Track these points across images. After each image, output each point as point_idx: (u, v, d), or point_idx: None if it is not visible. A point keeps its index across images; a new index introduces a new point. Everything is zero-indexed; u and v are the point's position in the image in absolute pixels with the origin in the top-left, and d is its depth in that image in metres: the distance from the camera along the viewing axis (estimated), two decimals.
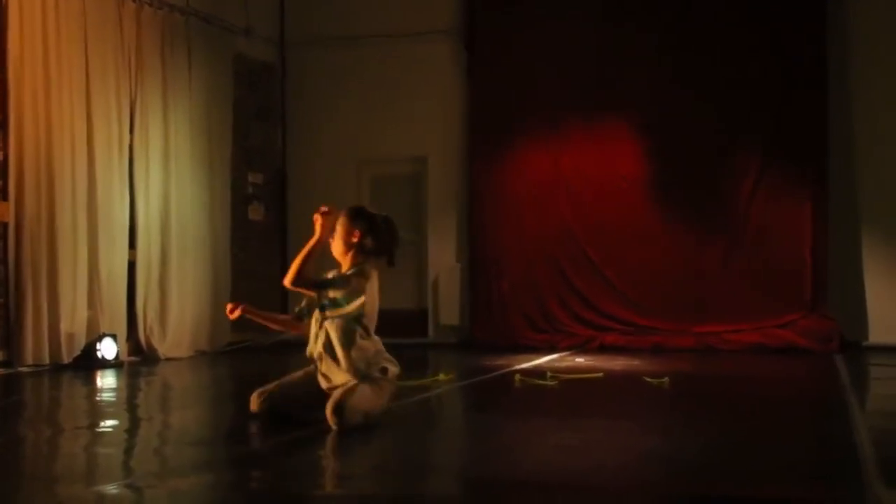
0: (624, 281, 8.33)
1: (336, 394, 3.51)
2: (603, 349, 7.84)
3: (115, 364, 6.54)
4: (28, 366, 6.28)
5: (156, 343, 7.37)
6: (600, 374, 5.70)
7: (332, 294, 3.60)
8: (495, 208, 8.65)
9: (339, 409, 3.43)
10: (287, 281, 3.54)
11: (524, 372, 5.73)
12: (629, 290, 8.31)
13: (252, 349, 7.64)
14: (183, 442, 3.49)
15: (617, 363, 6.49)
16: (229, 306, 3.70)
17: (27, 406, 4.78)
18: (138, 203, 7.38)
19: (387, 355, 3.72)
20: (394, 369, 3.70)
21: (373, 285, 3.72)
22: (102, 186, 6.95)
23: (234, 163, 8.61)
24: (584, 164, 8.47)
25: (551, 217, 8.52)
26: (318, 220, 3.64)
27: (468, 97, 8.81)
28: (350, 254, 3.74)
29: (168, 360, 7.28)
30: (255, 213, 9.10)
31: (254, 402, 3.68)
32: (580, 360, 6.84)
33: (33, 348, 6.32)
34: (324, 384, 3.69)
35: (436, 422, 4.13)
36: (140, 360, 7.23)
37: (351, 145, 9.27)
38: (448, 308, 8.83)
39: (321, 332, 3.68)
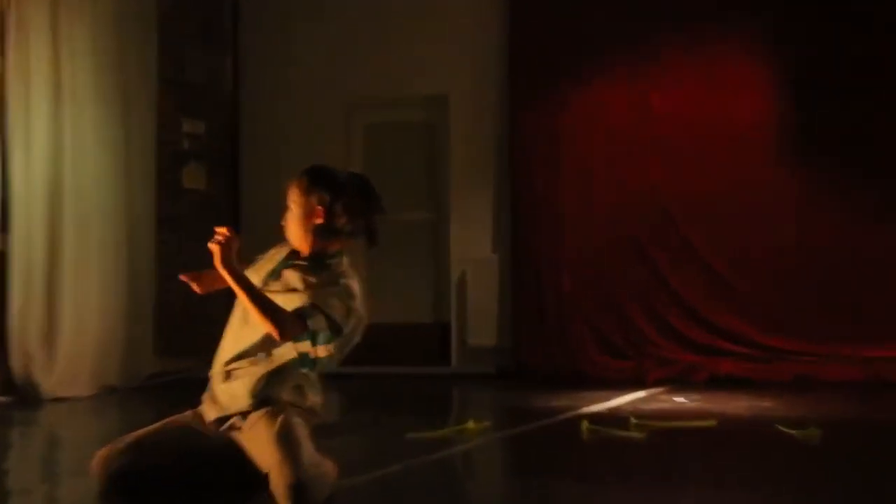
0: (746, 280, 8.29)
1: (278, 456, 3.52)
2: (715, 383, 7.83)
3: None
4: None
5: (38, 375, 7.21)
6: (712, 422, 5.71)
7: (313, 325, 3.66)
8: (550, 172, 8.66)
9: (298, 485, 3.44)
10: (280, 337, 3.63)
11: (595, 417, 5.78)
12: (754, 293, 8.25)
13: (186, 383, 7.55)
14: None
15: (737, 405, 6.54)
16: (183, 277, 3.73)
17: None
18: (13, 164, 7.24)
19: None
20: (315, 398, 3.82)
21: (359, 299, 3.79)
22: None
23: (161, 106, 8.59)
24: (685, 106, 8.48)
25: (634, 185, 8.52)
26: (214, 247, 3.60)
27: (511, 8, 8.82)
28: (311, 239, 3.78)
29: (57, 400, 7.12)
30: (193, 178, 9.08)
31: (100, 462, 3.71)
32: (680, 399, 6.91)
33: None
34: (211, 413, 3.73)
35: (461, 494, 4.05)
36: (12, 400, 7.05)
37: (335, 81, 9.32)
38: (480, 322, 8.84)
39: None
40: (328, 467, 3.69)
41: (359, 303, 3.77)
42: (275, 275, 3.80)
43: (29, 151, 7.33)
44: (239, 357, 3.73)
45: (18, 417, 6.45)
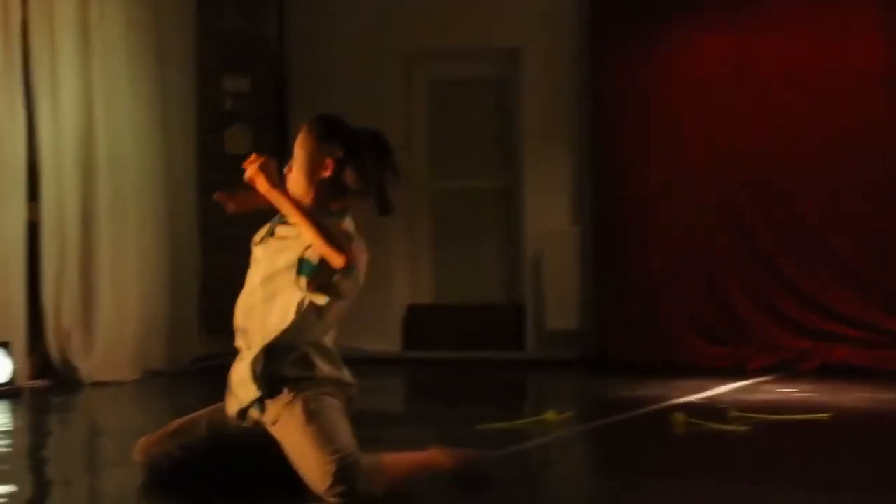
0: (864, 255, 8.22)
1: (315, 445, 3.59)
2: (828, 372, 7.80)
3: (8, 392, 6.64)
4: None
5: (76, 359, 7.42)
6: (825, 415, 5.71)
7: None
8: (637, 134, 8.64)
9: (338, 472, 3.53)
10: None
11: (690, 408, 5.76)
12: (875, 271, 8.18)
13: None
14: None
15: (855, 396, 6.50)
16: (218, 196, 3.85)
17: None
18: (40, 126, 7.40)
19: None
20: (328, 366, 3.84)
21: (361, 261, 3.78)
22: None
23: (200, 59, 8.70)
24: (790, 55, 8.39)
25: (735, 146, 8.47)
26: (253, 174, 3.70)
27: None
28: (315, 193, 3.83)
29: (97, 385, 7.32)
30: (237, 141, 9.17)
31: (143, 451, 3.87)
32: (788, 389, 6.88)
33: None
34: (231, 405, 3.83)
35: (538, 492, 4.04)
36: (51, 385, 7.28)
37: (395, 31, 9.35)
38: (559, 303, 8.87)
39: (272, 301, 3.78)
40: (379, 459, 3.72)
41: (360, 263, 3.76)
42: (271, 233, 3.86)
43: (57, 111, 7.49)
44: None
45: (58, 403, 6.65)
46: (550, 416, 5.36)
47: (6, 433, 5.56)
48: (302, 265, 3.73)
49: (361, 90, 9.33)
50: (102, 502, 3.88)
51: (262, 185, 3.69)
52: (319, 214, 3.70)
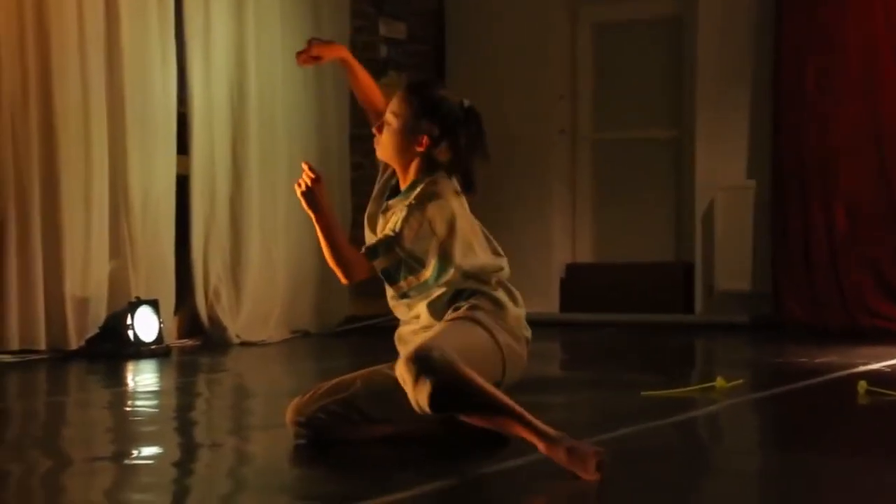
0: None
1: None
2: None
3: (157, 351, 6.83)
4: (12, 353, 6.60)
5: (225, 318, 7.64)
6: None
7: (379, 265, 3.80)
8: (823, 80, 8.51)
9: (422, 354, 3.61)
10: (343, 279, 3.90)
11: (875, 377, 5.66)
12: None
13: (387, 328, 7.81)
14: (275, 488, 3.56)
15: None
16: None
17: (10, 420, 5.02)
18: (192, 77, 7.59)
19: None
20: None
21: (455, 211, 3.84)
22: (131, 45, 7.18)
23: (355, 4, 8.81)
24: None
25: None
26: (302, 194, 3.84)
27: None
28: (402, 163, 3.94)
29: (245, 345, 7.54)
30: (393, 90, 9.11)
31: (294, 412, 3.98)
32: None
33: (20, 325, 6.66)
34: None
35: (705, 465, 3.99)
36: (198, 344, 7.54)
37: None
38: (731, 262, 8.84)
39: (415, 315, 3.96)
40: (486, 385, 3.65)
41: (446, 212, 3.82)
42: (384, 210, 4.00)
43: (208, 63, 7.68)
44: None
45: (205, 363, 6.86)
46: (720, 383, 5.30)
47: (153, 393, 5.78)
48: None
49: (522, 36, 9.35)
50: (250, 466, 3.95)
51: (305, 205, 3.85)
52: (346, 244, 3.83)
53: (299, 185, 3.84)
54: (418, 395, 3.58)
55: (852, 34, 8.40)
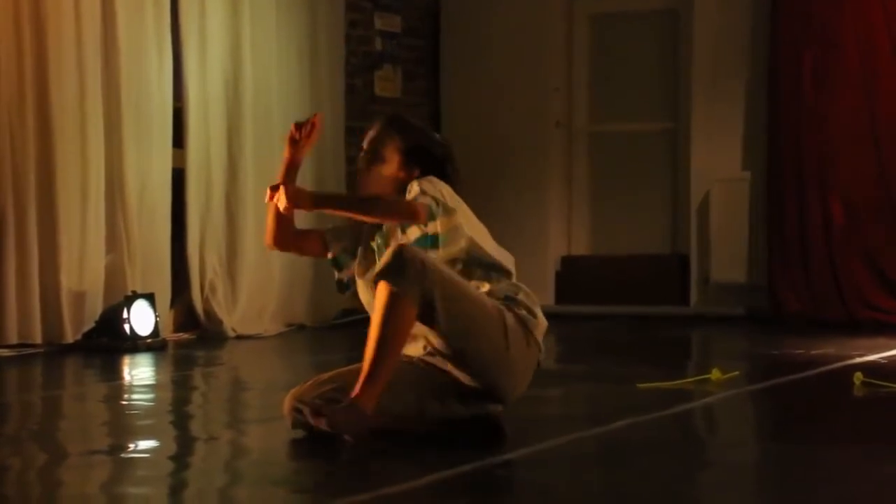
0: None
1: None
2: None
3: (153, 345, 6.82)
4: (8, 346, 6.59)
5: (220, 311, 7.64)
6: None
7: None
8: (819, 71, 8.51)
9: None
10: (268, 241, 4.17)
11: (871, 369, 5.66)
12: None
13: None
14: (272, 480, 3.57)
15: None
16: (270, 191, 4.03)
17: (5, 413, 5.02)
18: (188, 71, 7.61)
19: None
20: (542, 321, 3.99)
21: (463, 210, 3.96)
22: (127, 39, 7.18)
23: None
24: None
25: None
26: (303, 134, 4.05)
27: None
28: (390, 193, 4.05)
29: (240, 338, 7.55)
30: (387, 84, 9.25)
31: (294, 398, 4.00)
32: None
33: (18, 319, 6.65)
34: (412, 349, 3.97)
35: (701, 457, 4.01)
36: (195, 338, 7.54)
37: None
38: (727, 253, 8.85)
39: None
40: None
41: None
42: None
43: (204, 57, 7.68)
44: None
45: (200, 357, 6.86)
46: (716, 374, 5.33)
47: (150, 387, 5.78)
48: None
49: (518, 28, 9.33)
50: (247, 459, 3.97)
51: (287, 147, 4.01)
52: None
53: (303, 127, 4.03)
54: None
55: (849, 26, 8.40)
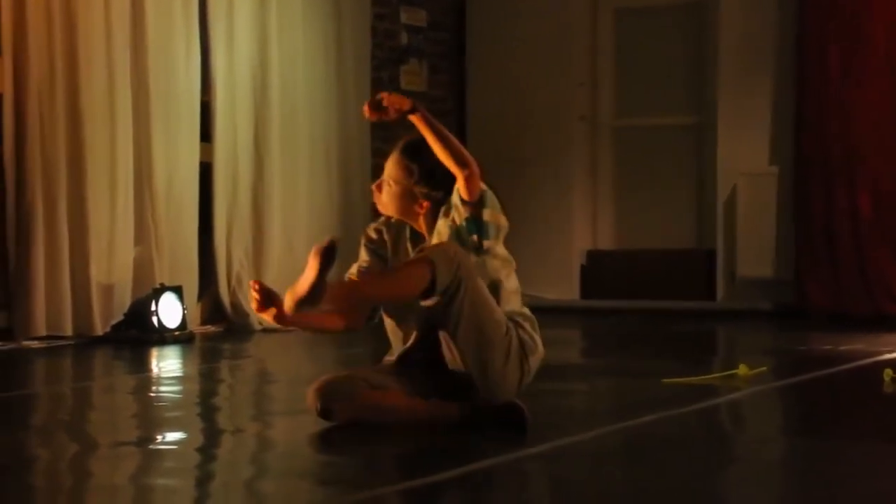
0: None
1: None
2: None
3: (181, 337, 6.90)
4: (38, 338, 6.69)
5: (247, 304, 7.67)
6: None
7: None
8: (848, 64, 8.46)
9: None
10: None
11: None
12: None
13: None
14: (297, 473, 3.60)
15: None
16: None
17: (37, 405, 5.09)
18: (216, 65, 7.66)
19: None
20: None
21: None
22: (155, 36, 7.25)
23: None
24: None
25: None
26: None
27: None
28: (419, 218, 4.10)
29: (267, 331, 7.59)
30: (413, 78, 9.28)
31: (321, 386, 4.01)
32: None
33: (48, 311, 6.73)
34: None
35: (727, 453, 4.00)
36: (221, 330, 7.61)
37: None
38: (754, 248, 8.83)
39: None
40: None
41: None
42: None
43: (231, 51, 7.73)
44: None
45: (227, 349, 6.92)
46: (742, 370, 5.29)
47: (177, 379, 5.83)
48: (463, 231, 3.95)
49: (543, 22, 9.33)
50: (273, 451, 3.99)
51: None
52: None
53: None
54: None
55: (877, 19, 8.35)
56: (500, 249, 4.02)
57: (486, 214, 3.96)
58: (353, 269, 4.21)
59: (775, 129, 8.81)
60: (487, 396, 3.91)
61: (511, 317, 3.97)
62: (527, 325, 4.01)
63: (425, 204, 4.04)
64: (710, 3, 9.09)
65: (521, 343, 3.96)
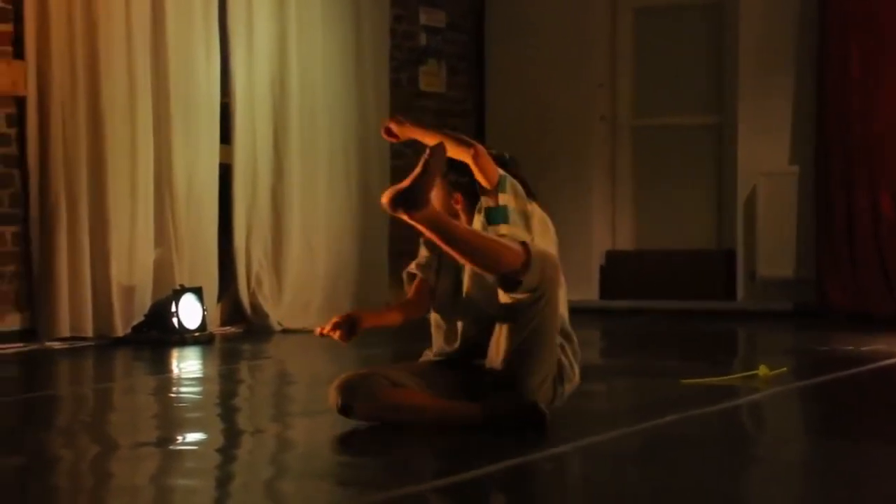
0: None
1: None
2: None
3: (201, 338, 6.94)
4: (61, 339, 6.74)
5: (267, 305, 7.73)
6: None
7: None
8: (870, 63, 8.45)
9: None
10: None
11: None
12: None
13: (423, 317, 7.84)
14: (317, 474, 3.61)
15: None
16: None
17: (59, 405, 5.13)
18: (235, 67, 7.69)
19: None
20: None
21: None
22: (176, 39, 7.28)
23: None
24: None
25: None
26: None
27: None
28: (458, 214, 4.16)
29: (286, 332, 7.62)
30: (432, 79, 9.30)
31: (342, 383, 4.03)
32: None
33: (70, 312, 6.78)
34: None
35: (747, 454, 3.99)
36: (241, 331, 7.64)
37: None
38: (774, 249, 8.82)
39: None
40: None
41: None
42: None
43: (251, 53, 7.76)
44: None
45: (247, 350, 6.95)
46: (763, 371, 5.28)
47: (197, 380, 5.86)
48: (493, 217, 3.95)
49: (562, 22, 9.33)
50: (292, 452, 4.00)
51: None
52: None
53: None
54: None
55: None
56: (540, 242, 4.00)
57: (503, 199, 3.98)
58: (413, 266, 4.25)
59: (795, 129, 8.80)
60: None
61: (562, 328, 4.00)
62: (569, 351, 4.04)
63: (458, 196, 4.11)
64: (730, 3, 9.09)
65: (560, 368, 3.99)
